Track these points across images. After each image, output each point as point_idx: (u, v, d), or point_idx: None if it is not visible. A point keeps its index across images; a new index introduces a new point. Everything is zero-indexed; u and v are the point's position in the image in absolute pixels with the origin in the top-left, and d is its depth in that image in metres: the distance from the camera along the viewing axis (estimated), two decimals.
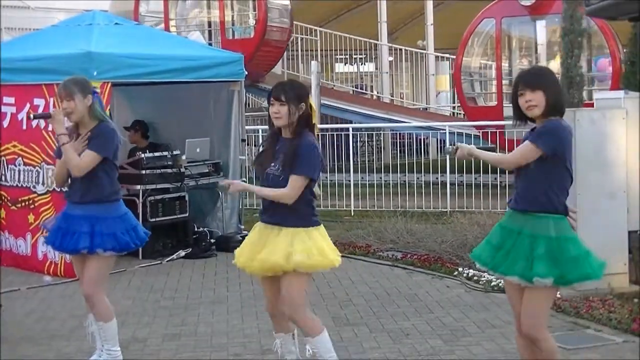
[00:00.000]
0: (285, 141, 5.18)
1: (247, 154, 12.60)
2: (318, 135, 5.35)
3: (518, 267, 4.72)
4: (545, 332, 4.83)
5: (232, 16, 18.32)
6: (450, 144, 5.64)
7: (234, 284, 8.66)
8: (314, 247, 5.10)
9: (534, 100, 4.69)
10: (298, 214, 5.13)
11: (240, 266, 5.32)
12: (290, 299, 5.16)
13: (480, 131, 14.87)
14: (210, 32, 18.30)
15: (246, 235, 10.30)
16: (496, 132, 13.98)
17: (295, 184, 5.09)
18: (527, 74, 4.82)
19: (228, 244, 10.31)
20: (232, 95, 10.80)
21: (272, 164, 5.17)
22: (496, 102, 15.79)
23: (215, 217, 10.97)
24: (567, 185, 4.78)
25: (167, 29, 17.82)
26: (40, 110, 8.85)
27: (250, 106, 21.59)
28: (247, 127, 12.00)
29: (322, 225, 5.25)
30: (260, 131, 14.60)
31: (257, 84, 18.08)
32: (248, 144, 13.73)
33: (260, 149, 5.38)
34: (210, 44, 17.43)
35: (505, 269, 4.78)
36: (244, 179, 10.85)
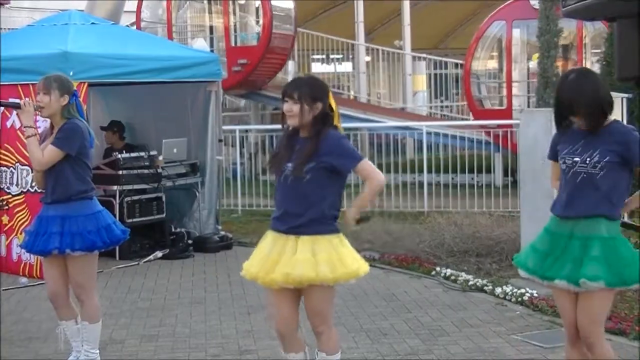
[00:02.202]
0: (304, 141, 4.79)
1: (224, 154, 12.59)
2: None
3: (565, 270, 4.58)
4: (603, 338, 4.70)
5: (236, 23, 18.18)
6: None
7: (211, 285, 8.65)
8: (335, 257, 4.74)
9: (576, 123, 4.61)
10: (319, 220, 4.75)
11: (250, 278, 4.90)
12: (320, 314, 4.83)
13: (479, 132, 14.82)
14: (212, 39, 18.18)
15: (224, 235, 10.52)
16: (507, 132, 13.81)
17: (367, 167, 4.76)
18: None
19: (205, 245, 10.33)
20: (209, 95, 10.78)
21: (288, 164, 4.77)
22: (506, 106, 15.72)
23: (193, 218, 10.94)
24: (629, 190, 4.71)
25: (169, 36, 17.65)
26: (14, 113, 8.77)
27: (227, 106, 21.54)
28: (224, 127, 11.98)
29: (341, 232, 4.86)
30: (237, 131, 14.57)
31: (259, 91, 18.01)
32: (225, 144, 13.73)
33: (275, 149, 5.04)
34: (212, 51, 17.39)
35: (553, 273, 4.63)
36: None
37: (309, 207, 4.74)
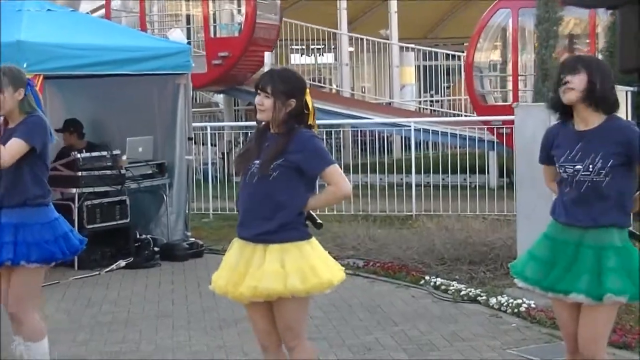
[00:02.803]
0: (274, 137, 4.81)
1: (194, 154, 12.56)
2: None
3: (583, 283, 4.51)
4: (605, 354, 4.69)
5: (216, 12, 18.11)
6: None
7: (180, 296, 8.62)
8: (306, 266, 4.73)
9: (572, 83, 4.58)
10: (288, 226, 4.74)
11: (219, 292, 4.92)
12: (291, 328, 4.83)
13: (472, 129, 14.84)
14: (190, 30, 18.10)
15: (193, 242, 10.50)
16: (511, 129, 13.78)
17: (336, 174, 4.77)
18: (568, 59, 4.74)
19: (173, 253, 10.30)
20: (177, 89, 10.76)
21: (256, 161, 4.78)
22: (511, 100, 15.71)
23: (160, 223, 10.91)
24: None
25: (143, 27, 17.57)
26: None
27: (198, 101, 21.51)
28: (194, 124, 11.96)
29: (313, 237, 4.86)
30: (208, 128, 14.54)
31: (240, 87, 17.96)
32: (195, 143, 13.69)
33: (244, 146, 5.03)
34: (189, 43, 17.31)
35: (568, 286, 4.56)
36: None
37: (277, 210, 4.74)
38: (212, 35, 17.47)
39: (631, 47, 2.05)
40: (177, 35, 17.09)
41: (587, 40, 15.21)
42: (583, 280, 4.52)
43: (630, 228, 4.70)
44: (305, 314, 4.93)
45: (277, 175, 4.72)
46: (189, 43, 17.02)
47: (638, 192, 4.70)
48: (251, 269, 4.75)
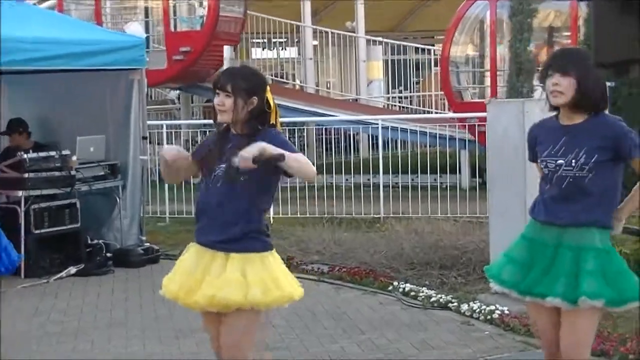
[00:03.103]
0: (237, 138, 4.79)
1: (150, 154, 12.52)
2: None
3: (559, 286, 4.54)
4: None
5: (177, 4, 18.01)
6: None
7: (133, 304, 8.60)
8: (268, 278, 4.74)
9: (561, 86, 4.59)
10: (251, 234, 4.75)
11: (169, 297, 4.93)
12: (238, 346, 4.80)
13: (443, 126, 14.86)
14: (148, 24, 18.00)
15: (149, 247, 10.46)
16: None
17: (302, 158, 4.71)
18: (559, 55, 4.77)
19: (127, 259, 10.27)
20: (131, 85, 10.72)
21: (220, 165, 4.77)
22: (490, 97, 15.76)
23: (112, 228, 10.86)
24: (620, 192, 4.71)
25: (98, 20, 17.43)
26: None
27: (153, 98, 21.44)
28: (149, 123, 11.91)
29: (274, 248, 4.89)
30: (164, 127, 14.49)
31: (202, 84, 17.90)
32: (150, 142, 13.62)
33: (202, 145, 5.02)
34: (148, 37, 17.21)
35: (545, 289, 4.59)
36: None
37: (241, 216, 4.74)
38: (172, 29, 17.41)
39: (606, 41, 2.07)
40: (135, 29, 16.99)
41: (568, 33, 15.30)
42: (560, 283, 4.54)
43: (624, 225, 4.72)
44: (255, 333, 4.88)
45: (245, 180, 4.70)
46: (147, 37, 17.02)
47: (638, 184, 4.69)
48: (209, 277, 4.74)
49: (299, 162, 4.67)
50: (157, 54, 17.19)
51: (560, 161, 4.63)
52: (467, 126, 14.53)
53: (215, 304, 4.71)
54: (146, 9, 18.42)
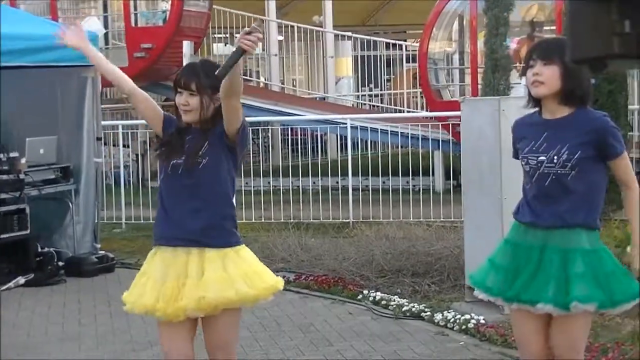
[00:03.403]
0: (198, 132, 4.85)
1: (104, 156, 12.49)
2: None
3: (549, 292, 4.55)
4: None
5: None
6: None
7: (88, 316, 8.57)
8: (250, 270, 4.81)
9: (543, 76, 4.59)
10: (226, 225, 4.83)
11: (140, 312, 4.92)
12: (226, 345, 4.88)
13: (415, 126, 14.91)
14: (107, 19, 17.91)
15: (103, 256, 10.41)
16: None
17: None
18: (543, 43, 4.76)
19: (81, 268, 10.23)
20: (84, 83, 10.69)
21: (180, 157, 4.82)
22: (470, 95, 15.80)
23: (65, 235, 10.82)
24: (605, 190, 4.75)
25: (54, 15, 17.32)
26: None
27: (108, 97, 21.33)
28: (103, 123, 11.89)
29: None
30: (120, 127, 14.46)
31: (164, 82, 17.83)
32: (105, 144, 13.60)
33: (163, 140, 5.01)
34: (107, 33, 17.14)
35: (534, 295, 4.59)
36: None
37: (209, 204, 4.79)
38: (133, 24, 17.35)
39: (582, 36, 2.09)
40: (93, 24, 16.92)
41: (553, 27, 15.39)
42: (549, 288, 4.55)
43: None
44: (238, 329, 4.97)
45: (207, 163, 4.76)
46: (106, 33, 16.96)
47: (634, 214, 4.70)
48: (190, 280, 4.76)
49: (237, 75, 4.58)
50: (117, 51, 17.15)
51: (542, 157, 4.63)
52: (443, 126, 14.59)
53: (205, 307, 4.74)
54: (105, 3, 18.34)
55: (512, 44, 15.27)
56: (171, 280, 4.78)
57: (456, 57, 17.23)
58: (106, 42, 17.54)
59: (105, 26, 17.47)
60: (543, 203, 4.65)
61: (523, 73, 4.76)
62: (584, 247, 4.59)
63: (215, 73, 4.49)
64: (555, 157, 4.60)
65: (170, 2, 17.23)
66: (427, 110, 17.26)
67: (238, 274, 4.76)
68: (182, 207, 4.81)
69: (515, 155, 4.95)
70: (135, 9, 17.81)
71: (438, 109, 15.63)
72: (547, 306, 4.56)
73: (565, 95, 4.61)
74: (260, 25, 4.52)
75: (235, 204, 5.03)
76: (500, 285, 4.74)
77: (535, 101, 4.72)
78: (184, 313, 4.77)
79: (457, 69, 17.33)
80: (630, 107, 12.71)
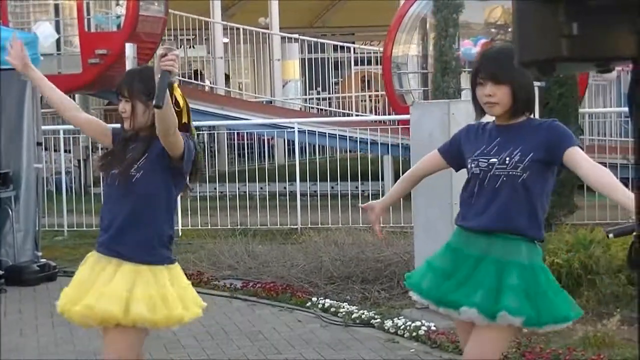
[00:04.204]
0: (141, 142, 4.83)
1: (45, 161, 12.41)
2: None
3: (477, 297, 4.55)
4: None
5: (91, 2, 17.77)
6: None
7: (29, 327, 8.50)
8: (157, 295, 4.72)
9: (496, 97, 4.64)
10: (154, 243, 4.79)
11: (59, 310, 4.93)
12: None
13: (364, 130, 14.95)
14: (59, 23, 17.74)
15: (45, 264, 10.36)
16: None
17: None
18: (489, 59, 4.75)
19: (21, 276, 10.15)
20: (23, 87, 10.61)
21: (118, 167, 4.81)
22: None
23: (4, 243, 10.73)
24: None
25: (4, 19, 17.11)
26: None
27: None
28: (44, 127, 11.81)
29: (177, 263, 4.94)
30: (61, 132, 14.34)
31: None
32: (46, 149, 13.51)
33: (107, 150, 5.03)
34: (59, 39, 16.98)
35: (460, 298, 4.60)
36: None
37: (138, 218, 4.78)
38: (87, 29, 17.23)
39: (529, 38, 2.12)
40: (45, 29, 16.77)
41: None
42: (478, 294, 4.56)
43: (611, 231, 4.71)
44: (139, 347, 4.89)
45: (141, 177, 4.74)
46: (58, 39, 16.80)
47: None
48: (96, 285, 4.76)
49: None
50: (70, 57, 17.02)
51: (493, 160, 4.66)
52: (403, 130, 14.66)
53: (92, 317, 4.73)
54: (57, 7, 18.18)
55: (477, 47, 15.41)
56: (87, 283, 4.81)
57: (420, 60, 17.32)
58: (58, 48, 17.41)
59: (58, 31, 17.33)
60: (490, 206, 4.65)
61: (472, 85, 4.80)
62: (521, 262, 4.61)
63: (153, 104, 4.43)
64: (507, 159, 4.63)
65: (125, 7, 17.12)
66: (392, 114, 17.28)
67: (143, 295, 4.69)
68: (115, 217, 4.82)
69: (444, 152, 5.00)
70: (89, 13, 17.68)
71: (403, 114, 15.69)
72: (471, 310, 4.56)
73: (517, 109, 4.68)
74: (172, 44, 4.52)
75: (179, 211, 5.03)
76: (431, 289, 4.75)
77: (484, 113, 4.79)
78: (77, 317, 4.80)
79: (419, 73, 17.41)
80: (581, 110, 12.87)
